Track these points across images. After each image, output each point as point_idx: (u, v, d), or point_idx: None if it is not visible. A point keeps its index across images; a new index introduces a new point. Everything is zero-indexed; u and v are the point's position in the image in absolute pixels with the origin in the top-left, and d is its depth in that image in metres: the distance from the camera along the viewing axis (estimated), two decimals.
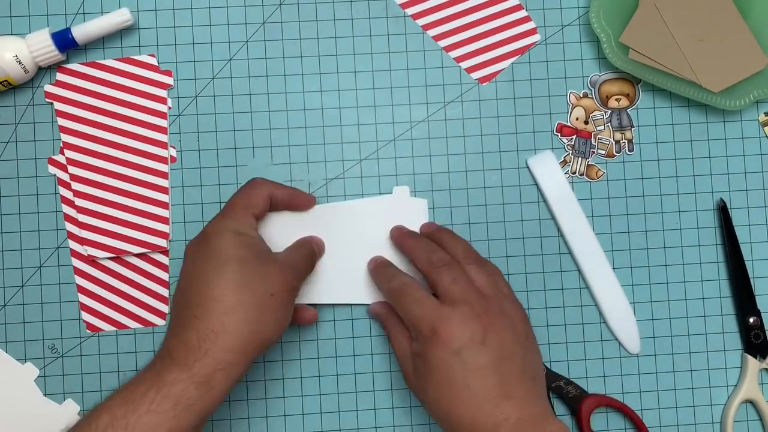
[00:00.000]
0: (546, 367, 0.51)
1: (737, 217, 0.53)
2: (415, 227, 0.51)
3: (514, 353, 0.43)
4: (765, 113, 0.54)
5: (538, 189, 0.52)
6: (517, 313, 0.45)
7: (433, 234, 0.50)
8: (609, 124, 0.53)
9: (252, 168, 0.52)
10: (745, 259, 0.53)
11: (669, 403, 0.53)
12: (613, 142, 0.53)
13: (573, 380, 0.52)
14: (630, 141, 0.53)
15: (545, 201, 0.52)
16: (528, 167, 0.52)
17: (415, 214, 0.52)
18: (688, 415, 0.52)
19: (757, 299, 0.53)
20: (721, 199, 0.53)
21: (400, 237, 0.50)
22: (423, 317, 0.43)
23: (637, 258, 0.53)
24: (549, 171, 0.52)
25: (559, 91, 0.53)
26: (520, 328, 0.44)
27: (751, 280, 0.53)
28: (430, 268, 0.46)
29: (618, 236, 0.53)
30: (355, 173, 0.53)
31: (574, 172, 0.53)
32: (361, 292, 0.52)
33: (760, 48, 0.52)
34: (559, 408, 0.52)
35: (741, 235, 0.53)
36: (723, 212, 0.52)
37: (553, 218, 0.52)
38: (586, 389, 0.52)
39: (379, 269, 0.50)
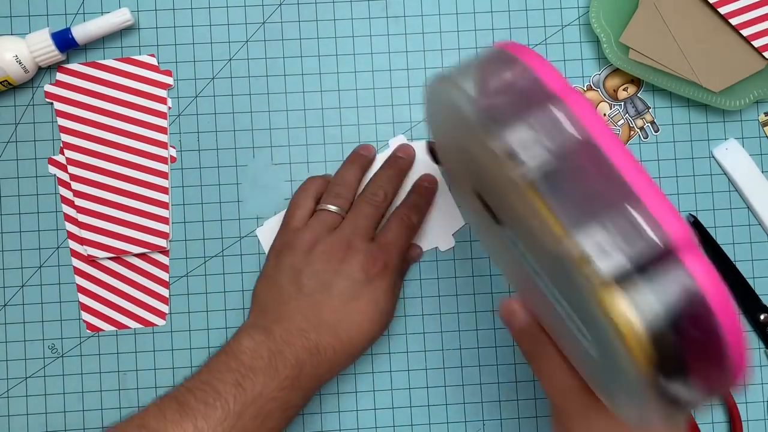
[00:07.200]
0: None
1: (737, 218, 0.53)
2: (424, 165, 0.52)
3: None
4: (765, 113, 0.54)
5: (728, 178, 0.53)
6: None
7: None
8: (627, 115, 0.53)
9: (252, 168, 0.52)
10: (746, 259, 0.53)
11: None
12: (637, 129, 0.53)
13: None
14: (652, 122, 0.53)
15: (737, 189, 0.53)
16: (714, 157, 0.53)
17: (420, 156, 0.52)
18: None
19: (763, 297, 0.53)
20: (691, 215, 0.53)
21: None
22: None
23: None
24: (739, 160, 0.52)
25: None
26: None
27: (752, 280, 0.53)
28: None
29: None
30: None
31: None
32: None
33: None
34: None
35: (742, 235, 0.53)
36: (697, 227, 0.53)
37: (748, 206, 0.53)
38: None
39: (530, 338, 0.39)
